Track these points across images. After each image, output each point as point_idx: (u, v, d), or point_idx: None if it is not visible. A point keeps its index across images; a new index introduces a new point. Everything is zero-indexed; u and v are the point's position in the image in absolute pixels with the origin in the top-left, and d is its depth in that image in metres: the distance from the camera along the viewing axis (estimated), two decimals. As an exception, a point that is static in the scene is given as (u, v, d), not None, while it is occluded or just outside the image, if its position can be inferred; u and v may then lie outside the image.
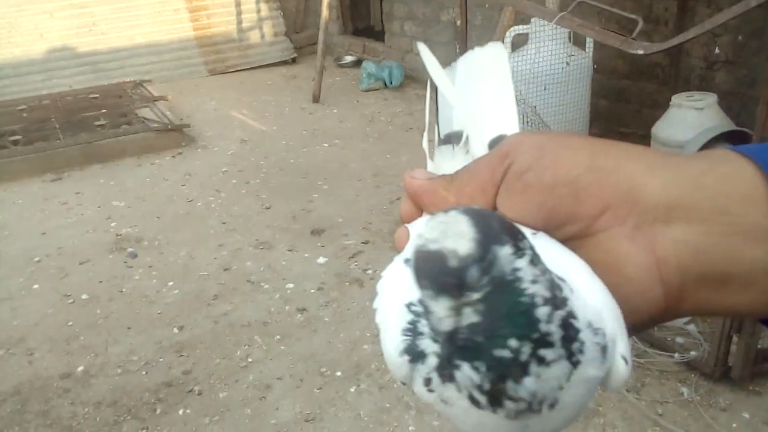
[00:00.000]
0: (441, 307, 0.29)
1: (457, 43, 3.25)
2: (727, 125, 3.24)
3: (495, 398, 0.31)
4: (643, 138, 3.75)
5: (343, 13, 7.45)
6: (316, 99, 5.80)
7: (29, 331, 2.85)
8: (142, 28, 6.75)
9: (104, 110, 5.32)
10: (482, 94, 0.46)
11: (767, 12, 3.18)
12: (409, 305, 0.34)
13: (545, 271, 0.31)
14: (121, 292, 3.10)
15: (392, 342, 0.36)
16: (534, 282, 0.30)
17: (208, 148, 4.89)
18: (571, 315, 0.31)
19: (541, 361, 0.30)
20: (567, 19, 2.82)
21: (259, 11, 7.21)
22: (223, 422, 2.27)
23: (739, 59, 3.63)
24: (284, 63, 7.18)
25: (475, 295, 0.29)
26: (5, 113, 5.37)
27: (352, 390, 2.38)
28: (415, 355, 0.33)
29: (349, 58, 7.00)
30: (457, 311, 0.29)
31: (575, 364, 0.32)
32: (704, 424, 2.08)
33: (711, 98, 3.32)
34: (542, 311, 0.30)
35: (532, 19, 3.81)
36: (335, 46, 7.34)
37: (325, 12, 5.78)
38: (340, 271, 3.15)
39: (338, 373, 2.47)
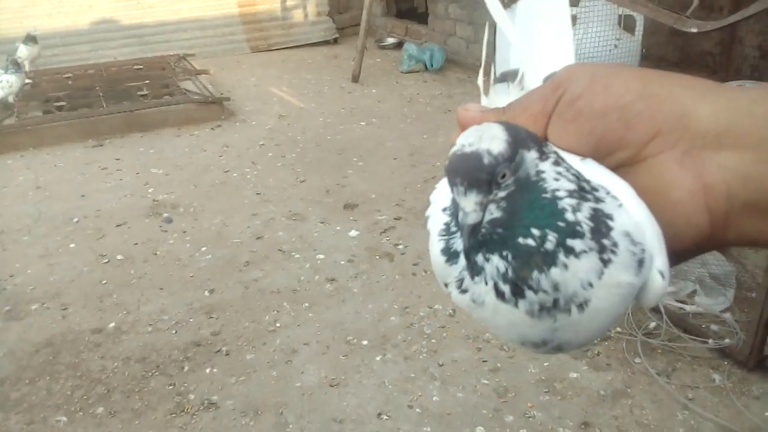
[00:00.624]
0: (469, 202, 0.31)
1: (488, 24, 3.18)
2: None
3: (518, 288, 0.31)
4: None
5: (388, -5, 7.41)
6: (355, 79, 5.79)
7: (64, 287, 2.91)
8: (188, 3, 6.83)
9: (147, 81, 5.39)
10: (541, 34, 0.46)
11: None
12: (444, 209, 0.36)
13: (569, 168, 0.33)
14: (155, 254, 3.14)
15: (433, 245, 0.37)
16: (557, 179, 0.32)
17: (246, 122, 4.93)
18: (603, 213, 0.32)
19: (569, 252, 0.31)
20: (617, -3, 2.75)
21: (303, -9, 7.22)
22: (249, 382, 2.29)
23: (795, 48, 3.50)
24: (326, 43, 7.19)
25: (501, 194, 0.31)
26: (52, 80, 5.49)
27: (378, 359, 2.37)
28: (450, 255, 0.34)
29: (390, 40, 6.97)
30: (483, 207, 0.31)
31: (606, 262, 0.31)
32: (735, 411, 2.02)
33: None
34: (567, 202, 0.31)
35: (582, 1, 3.72)
36: (377, 28, 7.31)
37: (369, -8, 5.75)
38: (371, 245, 3.14)
39: (364, 342, 2.47)
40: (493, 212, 0.31)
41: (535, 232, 0.31)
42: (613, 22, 3.70)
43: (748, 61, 3.77)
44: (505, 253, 0.31)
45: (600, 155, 0.35)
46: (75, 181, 4.02)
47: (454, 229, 0.34)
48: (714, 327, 2.32)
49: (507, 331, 0.34)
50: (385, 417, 2.11)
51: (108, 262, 3.10)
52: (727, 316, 2.36)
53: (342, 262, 3.01)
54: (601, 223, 0.32)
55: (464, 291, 0.34)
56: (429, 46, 6.18)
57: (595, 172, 0.35)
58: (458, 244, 0.34)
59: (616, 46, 3.64)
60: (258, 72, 6.24)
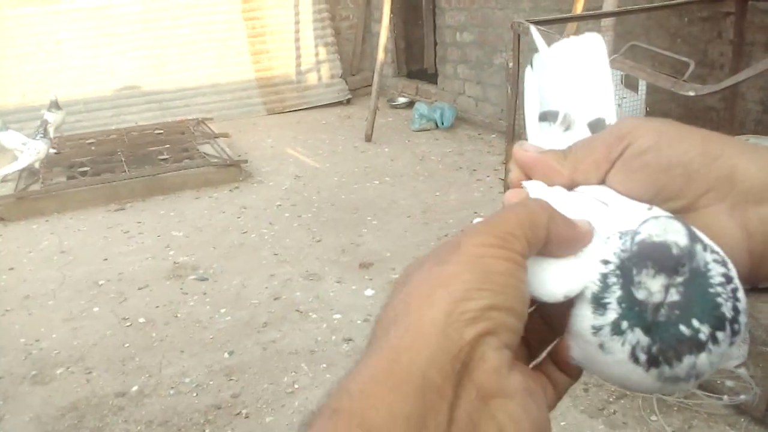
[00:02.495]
0: (656, 284, 0.35)
1: (509, 85, 3.32)
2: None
3: (656, 361, 0.36)
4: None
5: (398, 56, 7.65)
6: (368, 138, 5.95)
7: (88, 351, 2.99)
8: (206, 69, 7.09)
9: (168, 145, 5.58)
10: (579, 78, 0.49)
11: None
12: (605, 262, 0.38)
13: (724, 260, 0.37)
14: (176, 317, 3.22)
15: (578, 276, 0.39)
16: (715, 267, 0.36)
17: (263, 183, 5.06)
18: (737, 296, 0.37)
19: (714, 341, 0.36)
20: (619, 61, 2.86)
21: (317, 55, 7.48)
22: (268, 445, 2.32)
23: (797, 103, 3.58)
24: (339, 103, 7.40)
25: (679, 279, 0.35)
26: (76, 146, 5.70)
27: (395, 420, 2.40)
28: (598, 305, 0.37)
29: (402, 100, 7.16)
30: (666, 289, 0.35)
31: (731, 345, 0.37)
32: (755, 470, 2.02)
33: (766, 142, 3.28)
34: (723, 294, 0.36)
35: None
36: (389, 88, 7.53)
37: (381, 55, 5.97)
38: (387, 304, 3.19)
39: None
40: (673, 295, 0.35)
41: (695, 323, 0.35)
42: (616, 82, 3.81)
43: (751, 115, 3.86)
44: (656, 332, 0.36)
45: (657, 201, 0.40)
46: (98, 244, 4.13)
47: (613, 281, 0.37)
48: (729, 383, 2.33)
49: (619, 379, 0.39)
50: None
51: (130, 325, 3.18)
52: (742, 371, 2.37)
53: (358, 322, 3.07)
54: (736, 311, 0.36)
55: (596, 334, 0.37)
56: (439, 105, 6.35)
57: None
58: (611, 299, 0.37)
59: (620, 105, 3.75)
60: (274, 133, 6.43)
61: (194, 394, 2.64)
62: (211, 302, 3.32)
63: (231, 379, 2.72)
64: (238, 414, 2.51)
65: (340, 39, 7.77)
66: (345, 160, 5.53)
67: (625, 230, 0.38)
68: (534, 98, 0.50)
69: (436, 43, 6.88)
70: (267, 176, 5.20)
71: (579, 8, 4.16)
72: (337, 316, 3.13)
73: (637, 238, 0.36)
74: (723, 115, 3.96)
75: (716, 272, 0.36)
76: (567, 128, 0.47)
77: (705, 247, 0.37)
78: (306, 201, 4.64)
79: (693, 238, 0.35)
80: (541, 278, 0.38)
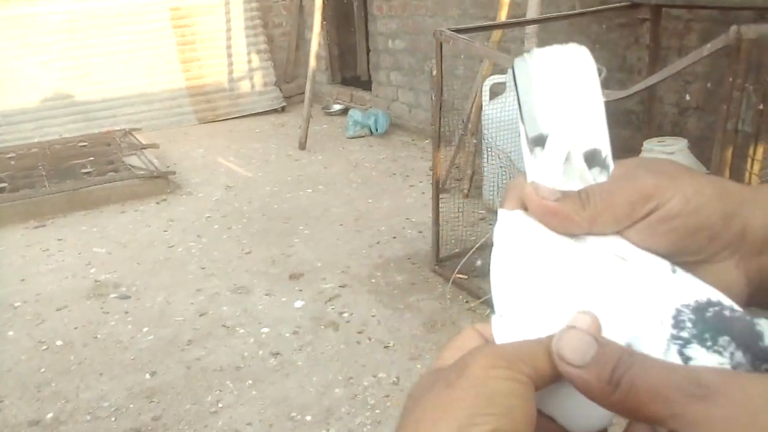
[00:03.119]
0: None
1: (433, 92, 3.34)
2: (697, 169, 3.30)
3: None
4: (619, 182, 3.80)
5: (332, 63, 7.62)
6: (302, 146, 5.89)
7: (1, 378, 2.83)
8: (134, 78, 6.89)
9: (92, 158, 5.38)
10: (569, 97, 0.44)
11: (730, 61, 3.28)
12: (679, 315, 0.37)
13: None
14: (96, 337, 3.09)
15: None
16: None
17: (192, 195, 4.94)
18: None
19: None
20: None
21: (250, 62, 7.38)
22: (188, 468, 2.24)
23: (709, 105, 3.72)
24: (273, 111, 7.31)
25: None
26: (-6, 161, 5.44)
27: (321, 435, 2.36)
28: (685, 359, 0.35)
29: (336, 107, 7.13)
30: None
31: None
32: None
33: (682, 143, 3.39)
34: None
35: (509, 69, 3.91)
36: (323, 95, 7.49)
37: (312, 62, 5.93)
38: (316, 315, 3.15)
39: (308, 418, 2.45)
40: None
41: None
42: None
43: (668, 117, 3.99)
44: None
45: (674, 255, 0.41)
46: (15, 264, 3.94)
47: (695, 347, 0.36)
48: None
49: None
50: (328, 495, 2.09)
51: (47, 348, 3.04)
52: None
53: (287, 335, 3.01)
54: None
55: None
56: (373, 112, 6.35)
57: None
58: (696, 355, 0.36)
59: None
60: (205, 143, 6.29)
61: (113, 419, 2.53)
62: (133, 321, 3.20)
63: (152, 401, 2.62)
64: (158, 437, 2.42)
65: (273, 46, 7.69)
66: (278, 168, 5.46)
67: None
68: (527, 114, 0.45)
69: (369, 50, 6.88)
70: (196, 187, 5.08)
71: (503, 15, 4.23)
72: (265, 329, 3.07)
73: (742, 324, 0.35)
74: (642, 118, 4.08)
75: None
76: (567, 159, 0.44)
77: None
78: (237, 212, 4.55)
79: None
80: (568, 409, 0.37)
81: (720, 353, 0.34)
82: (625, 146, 4.17)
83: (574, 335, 0.35)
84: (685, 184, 0.41)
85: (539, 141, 0.44)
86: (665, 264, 0.40)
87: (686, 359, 0.35)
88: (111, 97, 6.79)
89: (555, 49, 0.45)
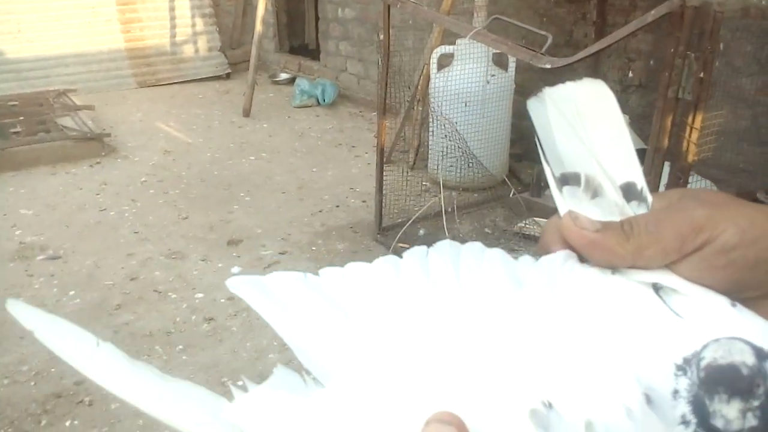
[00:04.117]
0: (732, 410, 0.33)
1: (379, 57, 3.27)
2: (638, 144, 3.35)
3: None
4: (562, 157, 3.84)
5: (280, 31, 7.44)
6: (246, 113, 5.74)
7: None
8: (70, 37, 6.56)
9: (22, 117, 5.11)
10: (590, 136, 0.43)
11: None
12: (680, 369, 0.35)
13: None
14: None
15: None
16: None
17: (128, 158, 4.75)
18: None
19: None
20: (481, 35, 2.87)
21: (194, 26, 7.13)
22: (112, 433, 2.15)
23: (651, 83, 3.77)
24: (218, 78, 7.10)
25: (755, 402, 0.33)
26: None
27: (253, 400, 2.30)
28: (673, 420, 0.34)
29: (284, 76, 6.98)
30: (743, 414, 0.33)
31: None
32: None
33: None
34: None
35: (458, 40, 3.87)
36: (271, 63, 7.31)
37: (258, 26, 5.76)
38: (253, 282, 3.07)
39: (240, 383, 2.38)
40: (751, 420, 0.33)
41: None
42: (487, 60, 3.86)
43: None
44: None
45: (732, 291, 0.38)
46: (-67, 224, 3.71)
47: (690, 418, 0.34)
48: None
49: None
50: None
51: (-37, 311, 2.86)
52: None
53: (222, 301, 2.93)
54: None
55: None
56: (321, 82, 6.23)
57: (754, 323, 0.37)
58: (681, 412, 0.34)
59: (488, 82, 3.80)
60: (144, 107, 6.06)
61: (32, 383, 2.41)
62: (59, 284, 3.06)
63: (76, 366, 2.50)
64: (80, 402, 2.31)
65: (219, 11, 7.44)
66: (220, 135, 5.30)
67: (688, 355, 0.34)
68: (551, 153, 0.43)
69: (317, 19, 6.74)
70: (133, 151, 4.88)
71: (453, -14, 4.18)
72: (200, 295, 2.97)
73: (702, 364, 0.34)
74: (586, 94, 4.12)
75: None
76: (594, 195, 0.42)
77: None
78: (174, 177, 4.39)
79: (760, 355, 0.33)
80: None
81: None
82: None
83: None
84: (738, 215, 0.38)
85: (567, 179, 0.42)
86: (723, 299, 0.37)
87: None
88: (44, 56, 6.45)
89: (569, 86, 0.44)
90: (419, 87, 4.30)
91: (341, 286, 0.39)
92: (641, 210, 0.41)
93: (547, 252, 0.41)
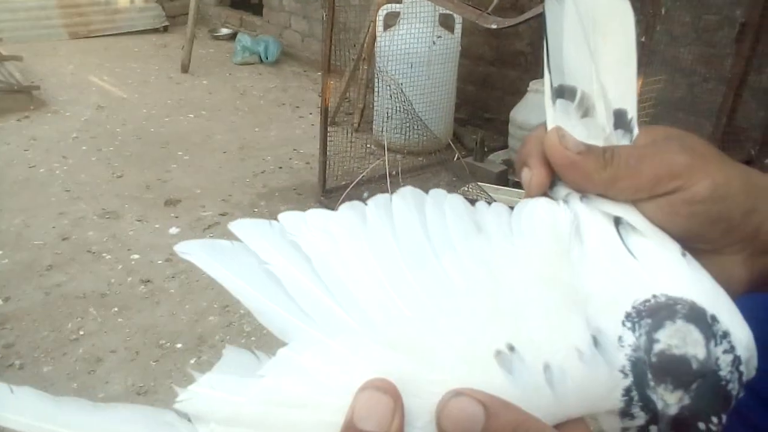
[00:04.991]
0: (673, 398, 0.34)
1: (324, 11, 3.18)
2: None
3: None
4: (504, 123, 3.87)
5: (221, -17, 7.17)
6: (185, 69, 5.53)
7: None
8: (-7, -18, 6.15)
9: (-60, 66, 4.78)
10: (599, 51, 0.41)
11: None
12: (624, 373, 0.35)
13: (732, 346, 0.35)
14: (-61, 261, 2.78)
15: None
16: (731, 369, 0.35)
17: (59, 113, 4.52)
18: (740, 369, 0.35)
19: (725, 419, 0.35)
20: (428, -6, 2.83)
21: (129, -26, 6.79)
22: (43, 398, 2.08)
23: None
24: (155, 31, 6.81)
25: (694, 386, 0.34)
26: None
27: (192, 362, 2.26)
28: (625, 415, 0.35)
29: (224, 31, 6.75)
30: (682, 400, 0.34)
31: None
32: None
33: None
34: (732, 382, 0.35)
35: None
36: (211, 18, 7.05)
37: (198, -22, 5.53)
38: (192, 243, 3.00)
39: (178, 345, 2.34)
40: (685, 401, 0.34)
41: (714, 419, 0.34)
42: (434, 20, 3.82)
43: (555, 61, 4.08)
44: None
45: (685, 240, 0.38)
46: None
47: (634, 394, 0.35)
48: None
49: None
50: (196, 422, 2.02)
51: None
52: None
53: (159, 262, 2.85)
54: (740, 382, 0.35)
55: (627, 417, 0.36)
56: (263, 38, 6.06)
57: (700, 276, 0.37)
58: (636, 409, 0.35)
59: (434, 43, 3.77)
60: (76, 60, 5.77)
61: (-43, 348, 2.30)
62: (-16, 244, 2.91)
63: (5, 328, 2.40)
64: (10, 365, 2.22)
65: (156, -40, 7.10)
66: (157, 91, 5.11)
67: (637, 304, 0.35)
68: (555, 61, 0.41)
69: (261, -28, 6.52)
70: (64, 106, 4.65)
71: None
72: (135, 256, 2.89)
73: (656, 348, 0.34)
74: (530, 59, 4.14)
75: (725, 363, 0.35)
76: (585, 114, 0.41)
77: (716, 341, 0.35)
78: (108, 134, 4.22)
79: (711, 344, 0.34)
80: None
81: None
82: (514, 88, 4.23)
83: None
84: (716, 170, 0.39)
85: (563, 92, 0.41)
86: (676, 246, 0.38)
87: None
88: (-35, 0, 6.04)
89: None
90: (365, 46, 4.23)
91: (305, 234, 0.36)
92: (625, 141, 0.41)
93: (524, 163, 0.41)
